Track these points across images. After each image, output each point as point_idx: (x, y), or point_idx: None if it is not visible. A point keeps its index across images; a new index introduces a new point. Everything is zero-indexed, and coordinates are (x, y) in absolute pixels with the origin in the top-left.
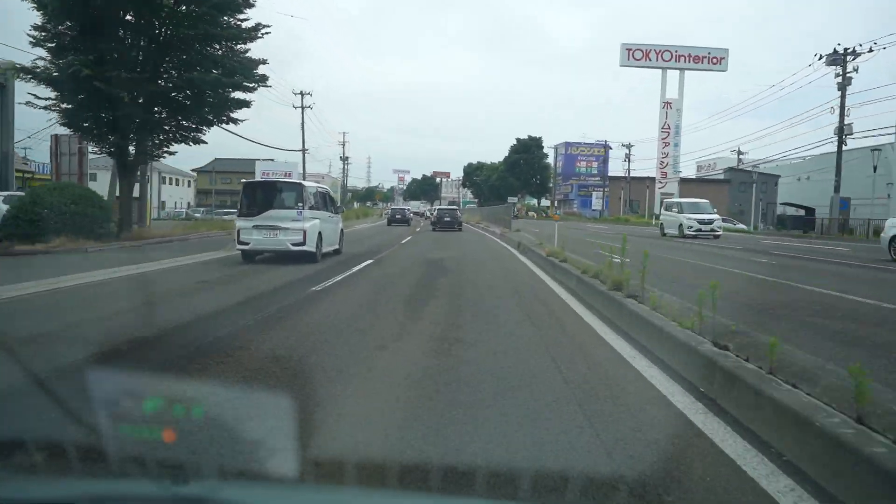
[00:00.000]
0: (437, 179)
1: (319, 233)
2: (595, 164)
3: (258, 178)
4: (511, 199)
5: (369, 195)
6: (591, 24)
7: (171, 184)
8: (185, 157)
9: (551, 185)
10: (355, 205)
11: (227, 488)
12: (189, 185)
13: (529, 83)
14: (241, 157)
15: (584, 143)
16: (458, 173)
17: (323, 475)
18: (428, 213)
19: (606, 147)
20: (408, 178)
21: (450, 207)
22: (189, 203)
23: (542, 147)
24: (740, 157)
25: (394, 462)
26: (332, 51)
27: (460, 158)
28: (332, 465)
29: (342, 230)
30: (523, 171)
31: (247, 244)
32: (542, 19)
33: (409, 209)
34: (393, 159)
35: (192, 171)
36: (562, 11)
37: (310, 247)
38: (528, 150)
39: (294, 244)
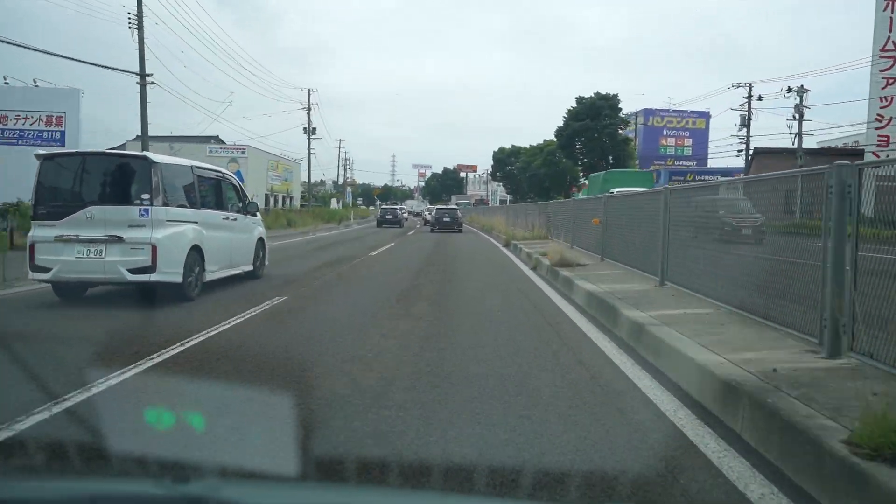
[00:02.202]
0: (462, 174)
1: (197, 247)
2: (689, 142)
3: None
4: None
5: (386, 193)
6: (627, 18)
7: None
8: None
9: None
10: (335, 202)
11: (229, 487)
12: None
13: (566, 81)
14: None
15: (674, 112)
16: (486, 165)
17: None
18: (426, 214)
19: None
20: (429, 174)
21: (449, 207)
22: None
23: (620, 109)
24: None
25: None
26: (357, 49)
27: (490, 156)
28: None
29: (262, 240)
30: (588, 149)
31: (47, 270)
32: (577, 15)
33: (402, 209)
34: (418, 157)
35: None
36: (596, 6)
37: (168, 273)
38: (595, 114)
39: (135, 269)
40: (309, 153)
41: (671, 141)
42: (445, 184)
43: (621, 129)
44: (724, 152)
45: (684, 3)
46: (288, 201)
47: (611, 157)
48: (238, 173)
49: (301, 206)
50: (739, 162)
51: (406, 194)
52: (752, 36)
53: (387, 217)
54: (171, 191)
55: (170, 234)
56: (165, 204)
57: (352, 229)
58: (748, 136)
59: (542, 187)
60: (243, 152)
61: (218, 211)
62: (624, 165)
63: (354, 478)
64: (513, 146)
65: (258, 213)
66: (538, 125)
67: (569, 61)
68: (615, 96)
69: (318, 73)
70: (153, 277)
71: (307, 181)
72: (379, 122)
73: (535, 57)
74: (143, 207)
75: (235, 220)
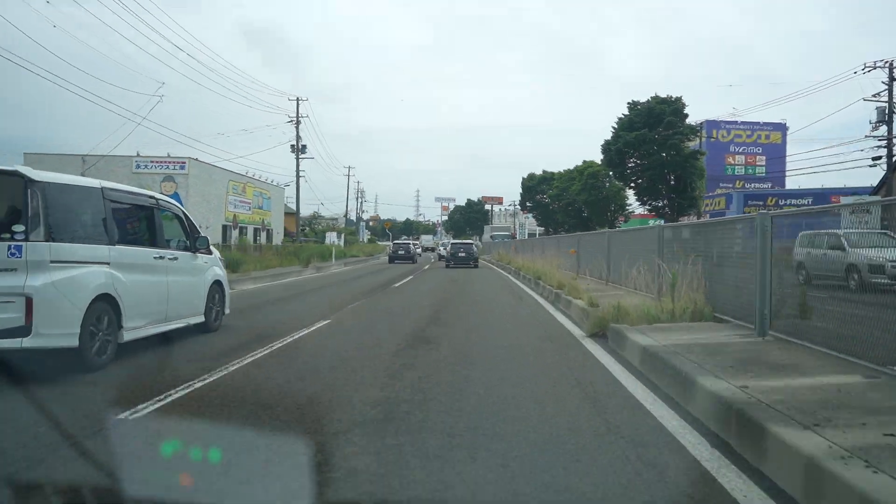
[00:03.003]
0: (487, 206)
1: (107, 297)
2: (762, 160)
3: None
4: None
5: (407, 228)
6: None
7: None
8: None
9: (697, 193)
10: (334, 237)
11: None
12: None
13: (596, 112)
14: (66, 150)
15: (742, 124)
16: (513, 197)
17: None
18: (441, 249)
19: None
20: (453, 207)
21: (465, 242)
22: None
23: (686, 116)
24: None
25: None
26: (385, 85)
27: (516, 189)
28: None
29: (220, 283)
30: (645, 167)
31: None
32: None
33: (415, 244)
34: (444, 191)
35: None
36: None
37: (55, 336)
38: (654, 121)
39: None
40: (298, 176)
41: (740, 159)
42: (469, 217)
43: (688, 140)
44: (821, 168)
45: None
46: (263, 235)
47: (672, 177)
48: (175, 196)
49: (292, 241)
50: (846, 179)
51: (429, 229)
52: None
53: (399, 253)
54: (64, 221)
55: (57, 280)
56: (50, 238)
57: (324, 275)
58: (890, 138)
59: (580, 217)
60: (182, 167)
61: (148, 248)
62: (691, 187)
63: None
64: (544, 172)
65: (214, 251)
66: (568, 158)
67: (600, 93)
68: (679, 99)
69: (345, 108)
70: (28, 343)
71: (296, 210)
72: (404, 156)
73: (565, 90)
74: (13, 244)
75: (176, 259)
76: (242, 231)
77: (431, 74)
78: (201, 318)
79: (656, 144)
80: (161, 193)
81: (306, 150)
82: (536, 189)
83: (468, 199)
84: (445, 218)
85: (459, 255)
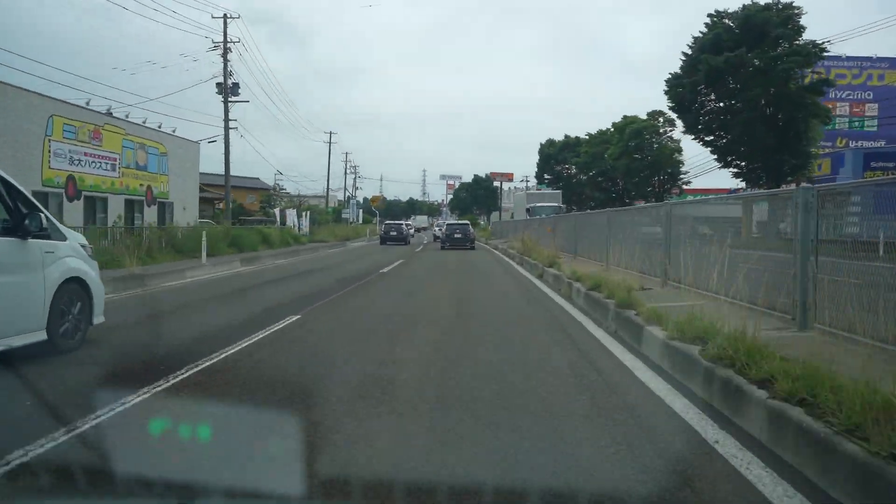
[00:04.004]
0: (495, 183)
1: None
2: (873, 108)
3: None
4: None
5: (411, 207)
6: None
7: None
8: None
9: (813, 149)
10: (292, 216)
11: None
12: None
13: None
14: None
15: (849, 60)
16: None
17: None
18: (437, 229)
19: None
20: (458, 185)
21: (461, 222)
22: None
23: (802, 30)
24: None
25: None
26: (393, 66)
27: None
28: None
29: (80, 281)
30: (736, 106)
31: None
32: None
33: (408, 225)
34: (451, 171)
35: None
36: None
37: None
38: (757, 37)
39: None
40: (227, 127)
41: (843, 107)
42: (476, 194)
43: (807, 67)
44: None
45: None
46: (153, 211)
47: (780, 115)
48: None
49: (230, 222)
50: None
51: (433, 208)
52: None
53: (391, 234)
54: None
55: None
56: None
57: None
58: None
59: (619, 193)
60: None
61: None
62: (807, 137)
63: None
64: (567, 137)
65: (73, 234)
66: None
67: (610, 74)
68: (790, 5)
69: (354, 92)
70: None
71: (225, 178)
72: (412, 137)
73: (576, 70)
74: None
75: None
76: (92, 203)
77: (439, 55)
78: (43, 335)
79: (762, 71)
80: None
81: (239, 92)
82: (557, 158)
83: (475, 176)
84: (451, 196)
85: (455, 236)
